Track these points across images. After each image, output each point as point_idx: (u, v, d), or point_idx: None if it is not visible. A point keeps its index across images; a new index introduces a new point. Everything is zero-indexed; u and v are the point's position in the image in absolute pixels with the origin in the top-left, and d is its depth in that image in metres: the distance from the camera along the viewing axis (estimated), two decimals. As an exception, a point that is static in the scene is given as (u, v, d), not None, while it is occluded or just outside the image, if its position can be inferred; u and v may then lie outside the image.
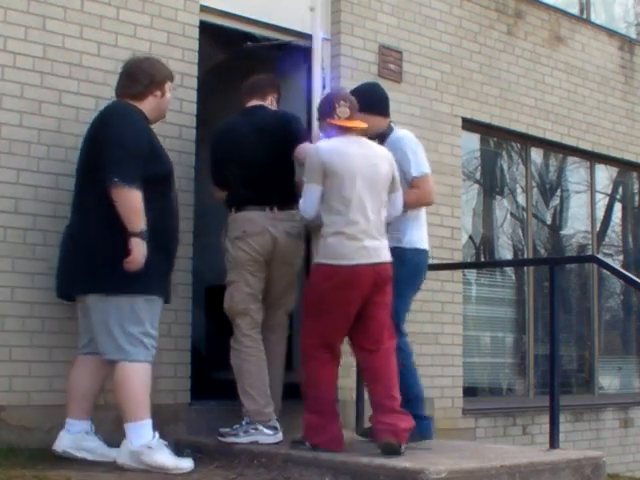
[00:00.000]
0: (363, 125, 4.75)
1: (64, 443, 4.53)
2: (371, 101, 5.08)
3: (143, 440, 4.28)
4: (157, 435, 4.35)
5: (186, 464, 4.35)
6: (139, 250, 4.27)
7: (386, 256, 4.61)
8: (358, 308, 4.52)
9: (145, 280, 4.34)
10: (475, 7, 7.43)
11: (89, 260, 4.39)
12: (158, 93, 4.68)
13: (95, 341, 4.48)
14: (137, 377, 4.35)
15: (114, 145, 4.31)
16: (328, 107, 4.75)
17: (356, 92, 5.06)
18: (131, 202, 4.28)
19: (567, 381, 8.43)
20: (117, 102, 4.64)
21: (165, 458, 4.30)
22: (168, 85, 4.74)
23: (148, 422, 4.34)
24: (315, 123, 5.27)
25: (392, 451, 4.31)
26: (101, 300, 4.37)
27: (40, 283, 4.86)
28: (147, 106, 4.63)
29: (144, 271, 4.29)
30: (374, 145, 4.83)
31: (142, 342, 4.37)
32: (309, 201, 4.65)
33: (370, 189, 4.59)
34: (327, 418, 4.52)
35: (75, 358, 4.64)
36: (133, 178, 4.28)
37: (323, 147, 4.67)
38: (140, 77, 4.62)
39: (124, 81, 4.68)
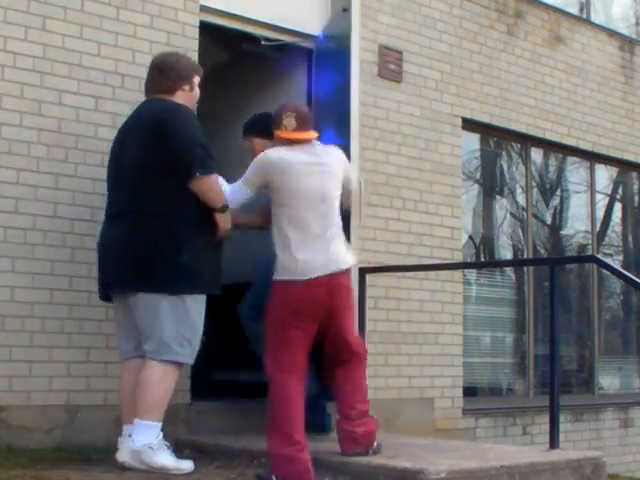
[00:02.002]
0: (309, 136, 4.54)
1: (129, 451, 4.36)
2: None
3: (146, 440, 4.24)
4: (160, 436, 4.31)
5: (186, 465, 4.33)
6: (226, 220, 4.46)
7: (340, 266, 4.45)
8: (320, 322, 4.38)
9: (198, 280, 4.35)
10: (475, 7, 7.43)
11: (149, 259, 4.30)
12: (187, 87, 4.64)
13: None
14: (168, 379, 4.31)
15: (194, 144, 4.37)
16: (276, 118, 4.58)
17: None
18: (214, 186, 4.41)
19: (567, 381, 8.43)
20: (167, 101, 4.54)
21: (166, 459, 4.27)
22: (196, 79, 4.71)
23: (158, 425, 4.30)
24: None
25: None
26: (154, 298, 4.29)
27: (40, 283, 4.87)
28: (178, 100, 4.59)
29: (197, 271, 4.31)
30: (324, 151, 4.58)
31: (190, 342, 4.35)
32: (234, 198, 4.50)
33: (318, 200, 4.42)
34: (296, 448, 4.17)
35: (126, 364, 4.48)
36: (211, 168, 4.42)
37: (271, 155, 4.49)
38: (168, 72, 4.60)
39: (154, 76, 4.64)
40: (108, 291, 4.53)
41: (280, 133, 4.55)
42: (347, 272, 4.54)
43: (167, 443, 4.35)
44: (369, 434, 4.44)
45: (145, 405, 4.26)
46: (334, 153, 4.63)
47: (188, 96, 4.65)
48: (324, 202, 4.45)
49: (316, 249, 4.37)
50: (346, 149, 5.19)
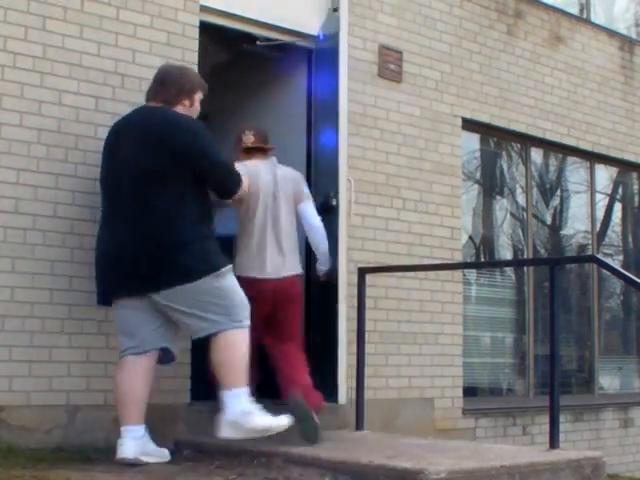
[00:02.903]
0: (266, 147, 5.29)
1: (133, 450, 4.40)
2: None
3: (240, 407, 4.30)
4: (250, 399, 4.35)
5: (285, 420, 4.40)
6: (245, 182, 4.82)
7: (289, 271, 5.11)
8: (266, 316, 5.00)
9: (215, 258, 4.51)
10: (475, 7, 7.43)
11: (176, 255, 4.40)
12: (187, 102, 4.71)
13: (196, 323, 4.45)
14: (243, 342, 4.44)
15: (222, 161, 4.67)
16: (237, 138, 5.31)
17: None
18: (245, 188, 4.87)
19: (567, 381, 8.44)
20: (174, 112, 4.64)
21: (265, 419, 4.33)
22: (198, 95, 4.77)
23: (245, 389, 4.38)
24: (314, 126, 5.30)
25: (300, 408, 4.59)
26: (189, 288, 4.39)
27: (40, 283, 4.87)
28: None
29: (211, 252, 4.49)
30: (281, 166, 5.28)
31: (242, 306, 4.49)
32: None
33: (275, 207, 5.13)
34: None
35: (123, 361, 4.53)
36: (239, 175, 4.80)
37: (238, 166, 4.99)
38: (170, 84, 4.68)
39: (156, 85, 4.71)
40: (117, 294, 4.55)
41: (239, 146, 5.27)
42: (296, 278, 5.23)
43: (260, 405, 4.43)
44: (316, 400, 4.82)
45: (229, 375, 4.39)
46: (287, 168, 5.30)
47: (187, 111, 4.70)
48: (278, 206, 5.15)
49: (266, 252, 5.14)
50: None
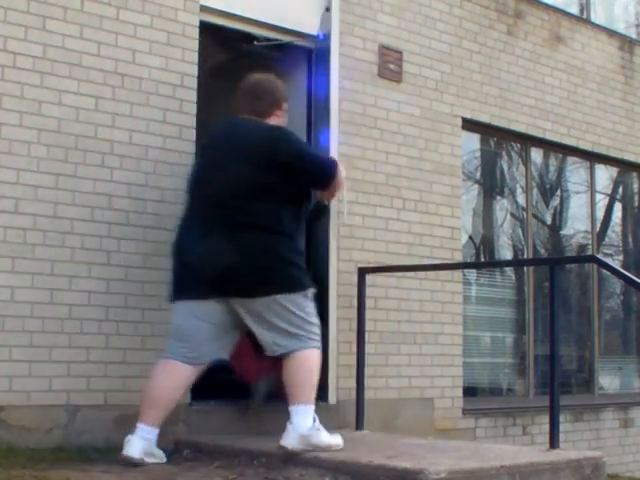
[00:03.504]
0: None
1: (140, 450, 4.43)
2: None
3: (307, 423, 4.41)
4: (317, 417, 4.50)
5: (340, 440, 4.53)
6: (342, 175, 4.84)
7: None
8: None
9: (307, 277, 4.68)
10: (475, 7, 7.43)
11: (276, 264, 4.53)
12: (279, 113, 4.85)
13: (276, 337, 4.55)
14: (318, 362, 4.60)
15: (315, 158, 4.80)
16: None
17: None
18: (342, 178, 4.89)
19: (567, 381, 8.43)
20: (280, 127, 4.77)
21: (328, 438, 4.46)
22: (285, 106, 4.90)
23: (313, 407, 4.51)
24: (314, 125, 5.31)
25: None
26: (284, 298, 4.52)
27: (40, 283, 4.86)
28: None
29: (303, 270, 4.65)
30: None
31: (319, 329, 4.64)
32: None
33: None
34: None
35: (170, 364, 4.58)
36: (336, 162, 4.88)
37: None
38: (262, 96, 4.79)
39: (247, 99, 4.81)
40: (204, 296, 4.58)
41: None
42: None
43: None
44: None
45: (304, 391, 4.50)
46: None
47: (280, 122, 4.83)
48: None
49: None
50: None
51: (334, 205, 5.75)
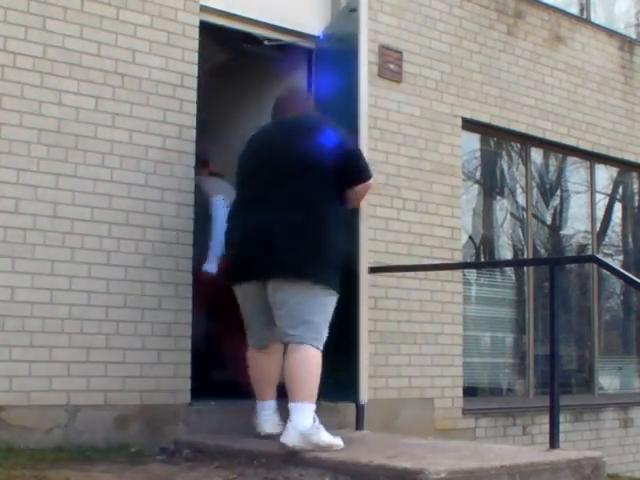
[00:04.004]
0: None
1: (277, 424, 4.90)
2: None
3: (307, 422, 4.43)
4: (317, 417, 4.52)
5: (340, 441, 4.54)
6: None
7: None
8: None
9: (337, 281, 4.74)
10: (475, 7, 7.43)
11: (321, 255, 4.63)
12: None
13: (285, 325, 4.64)
14: (320, 362, 4.61)
15: (360, 153, 4.97)
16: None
17: None
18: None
19: (567, 381, 8.43)
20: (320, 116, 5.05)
21: (328, 437, 4.47)
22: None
23: (314, 406, 4.52)
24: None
25: None
26: (316, 288, 4.61)
27: (40, 283, 4.86)
28: None
29: (337, 273, 4.71)
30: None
31: (327, 330, 4.68)
32: None
33: None
34: None
35: (270, 347, 4.89)
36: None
37: None
38: (299, 98, 5.16)
39: (285, 104, 5.09)
40: (247, 274, 4.79)
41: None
42: None
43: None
44: None
45: (304, 388, 4.52)
46: None
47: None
48: None
49: None
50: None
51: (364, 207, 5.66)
